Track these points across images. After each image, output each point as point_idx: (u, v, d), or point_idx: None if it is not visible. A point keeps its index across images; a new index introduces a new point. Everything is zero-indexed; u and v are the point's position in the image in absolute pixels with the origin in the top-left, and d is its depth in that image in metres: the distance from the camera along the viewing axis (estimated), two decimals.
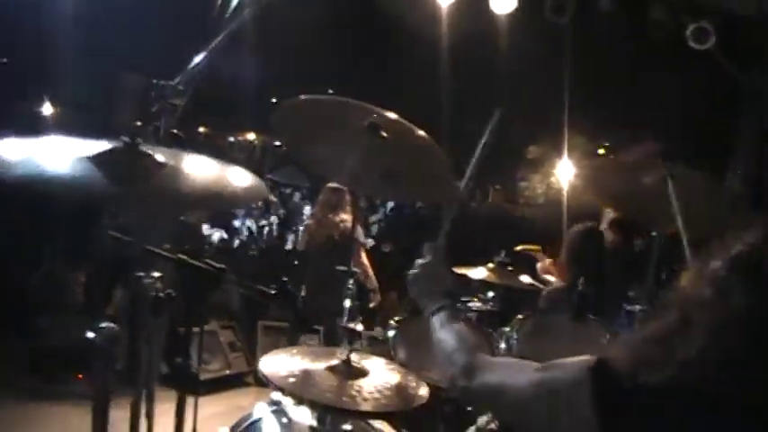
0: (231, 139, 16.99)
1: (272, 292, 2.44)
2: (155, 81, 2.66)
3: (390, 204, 13.09)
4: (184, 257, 2.43)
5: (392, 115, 2.65)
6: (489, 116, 2.62)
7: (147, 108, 2.69)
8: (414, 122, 2.71)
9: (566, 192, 12.66)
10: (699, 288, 1.52)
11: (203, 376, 6.54)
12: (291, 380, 2.34)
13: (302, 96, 2.56)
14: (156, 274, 2.68)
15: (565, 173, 13.24)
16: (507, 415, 1.88)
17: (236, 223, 11.63)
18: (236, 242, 11.04)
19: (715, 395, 1.42)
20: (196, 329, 6.22)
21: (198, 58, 2.83)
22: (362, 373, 2.47)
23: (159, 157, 2.11)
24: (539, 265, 5.60)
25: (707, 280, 1.51)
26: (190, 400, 2.41)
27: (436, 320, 2.13)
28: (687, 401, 1.44)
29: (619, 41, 8.27)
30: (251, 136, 16.83)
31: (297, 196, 14.23)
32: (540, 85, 11.98)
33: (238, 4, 3.23)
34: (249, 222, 11.74)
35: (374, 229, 12.34)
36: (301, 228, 8.93)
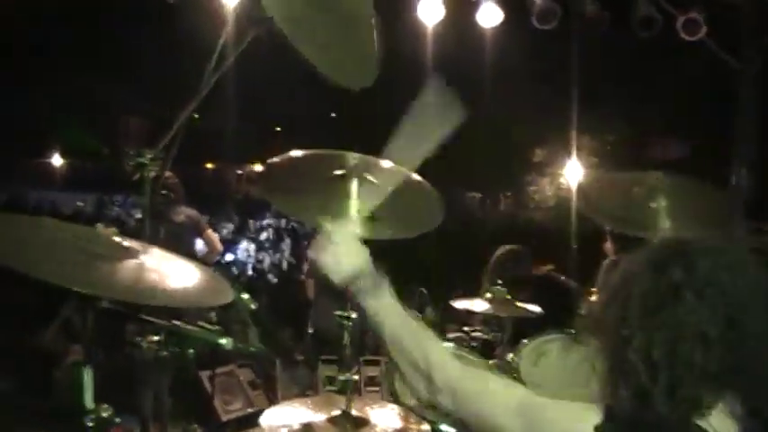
0: (239, 171, 17.05)
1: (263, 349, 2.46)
2: (130, 151, 2.67)
3: None
4: (178, 324, 2.46)
5: (373, 159, 2.71)
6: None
7: (129, 176, 2.70)
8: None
9: (575, 192, 12.71)
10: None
11: (225, 417, 6.54)
12: None
13: (291, 153, 2.62)
14: (155, 338, 2.71)
15: (573, 173, 13.24)
16: None
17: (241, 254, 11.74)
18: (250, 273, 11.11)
19: None
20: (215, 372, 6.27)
21: (178, 123, 2.84)
22: (363, 422, 2.48)
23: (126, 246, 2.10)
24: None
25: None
26: None
27: (379, 303, 1.78)
28: None
29: (610, 41, 8.29)
30: (258, 167, 16.85)
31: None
32: (541, 89, 12.04)
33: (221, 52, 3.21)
34: (262, 255, 11.81)
35: None
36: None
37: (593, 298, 5.91)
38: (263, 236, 13.26)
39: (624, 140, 14.27)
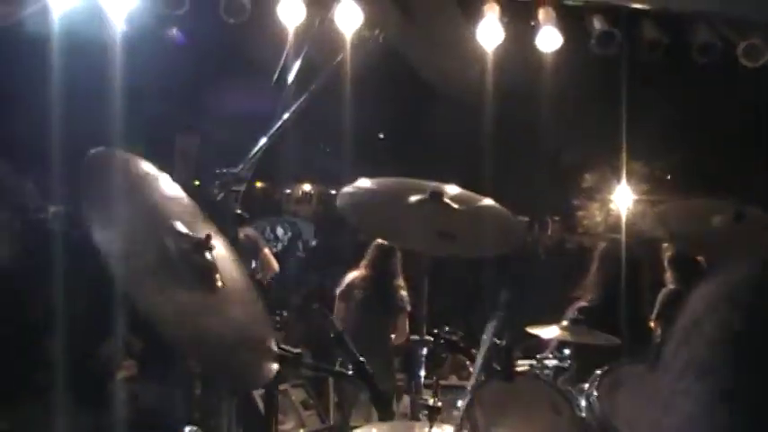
0: (287, 191, 17.11)
1: (349, 372, 2.45)
2: (218, 171, 2.70)
3: None
4: None
5: (450, 187, 2.75)
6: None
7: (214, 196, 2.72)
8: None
9: (624, 218, 12.61)
10: None
11: None
12: None
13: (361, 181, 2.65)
14: None
15: (623, 199, 13.15)
16: None
17: None
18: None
19: None
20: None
21: (261, 143, 2.87)
22: None
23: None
24: None
25: None
26: None
27: None
28: None
29: (667, 65, 8.22)
30: (306, 186, 16.96)
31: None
32: (593, 115, 11.98)
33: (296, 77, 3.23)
34: (310, 275, 11.85)
35: None
36: None
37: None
38: (311, 256, 13.33)
39: (675, 167, 14.16)
